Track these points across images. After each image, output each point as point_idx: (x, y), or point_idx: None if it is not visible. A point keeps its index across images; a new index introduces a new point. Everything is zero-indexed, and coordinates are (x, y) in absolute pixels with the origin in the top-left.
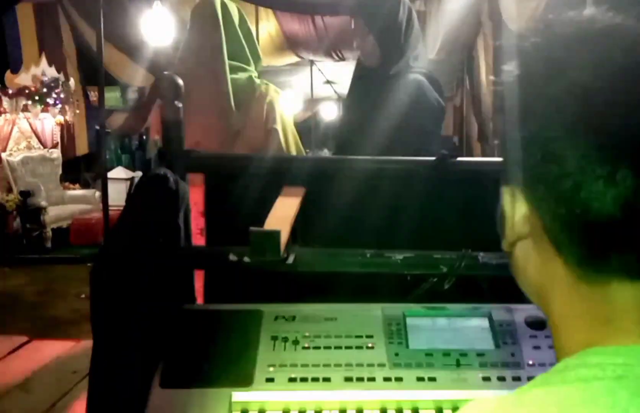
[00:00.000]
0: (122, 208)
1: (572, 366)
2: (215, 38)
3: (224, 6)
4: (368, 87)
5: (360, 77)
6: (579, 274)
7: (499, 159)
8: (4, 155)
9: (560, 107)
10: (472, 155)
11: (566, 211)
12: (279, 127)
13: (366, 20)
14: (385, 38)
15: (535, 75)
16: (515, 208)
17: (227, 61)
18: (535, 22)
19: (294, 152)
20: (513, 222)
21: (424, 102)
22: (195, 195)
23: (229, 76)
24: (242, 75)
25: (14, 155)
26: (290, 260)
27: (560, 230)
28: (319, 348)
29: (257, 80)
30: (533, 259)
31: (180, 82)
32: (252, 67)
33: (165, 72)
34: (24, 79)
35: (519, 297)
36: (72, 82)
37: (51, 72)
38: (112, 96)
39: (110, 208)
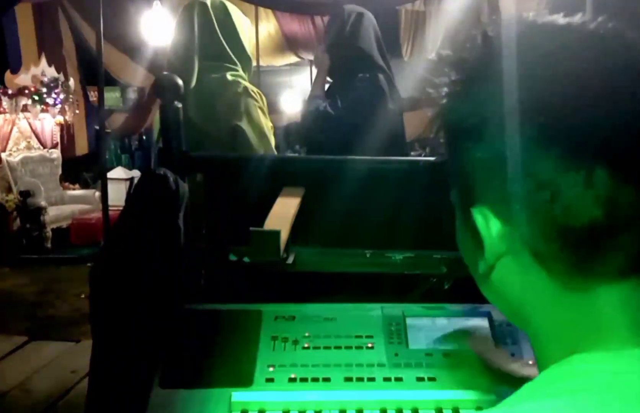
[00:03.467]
0: (122, 208)
1: (559, 376)
2: (188, 41)
3: (203, 8)
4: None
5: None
6: (564, 283)
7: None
8: (3, 155)
9: (525, 120)
10: None
11: (546, 222)
12: (242, 124)
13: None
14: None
15: (491, 92)
16: (490, 227)
17: (195, 66)
18: (473, 34)
19: (264, 151)
20: (491, 242)
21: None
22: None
23: (193, 81)
24: (216, 74)
25: (14, 155)
26: (290, 260)
27: (543, 242)
28: (319, 348)
29: (231, 78)
30: (513, 277)
31: (180, 82)
32: (237, 67)
33: (165, 73)
34: (23, 79)
35: None
36: (71, 82)
37: (51, 72)
38: (112, 96)
39: (110, 208)
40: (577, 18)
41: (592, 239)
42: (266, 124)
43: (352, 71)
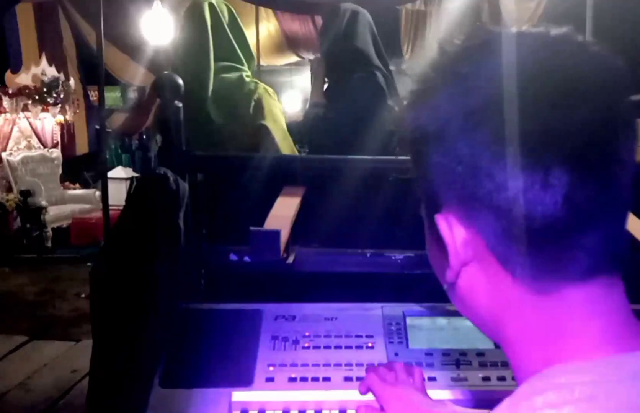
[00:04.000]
0: (122, 208)
1: (539, 390)
2: (203, 41)
3: (212, 8)
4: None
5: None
6: (531, 287)
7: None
8: (4, 154)
9: (477, 122)
10: None
11: (508, 224)
12: (269, 123)
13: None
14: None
15: (448, 94)
16: (455, 234)
17: (212, 65)
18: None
19: (286, 151)
20: (455, 249)
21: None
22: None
23: (211, 81)
24: (233, 74)
25: (14, 154)
26: (290, 260)
27: (506, 245)
28: (319, 348)
29: (247, 79)
30: (479, 284)
31: (180, 81)
32: (245, 67)
33: (165, 72)
34: (24, 78)
35: None
36: (72, 81)
37: (51, 71)
38: (112, 96)
39: (110, 208)
40: (531, 26)
41: (555, 239)
42: (285, 123)
43: (349, 71)
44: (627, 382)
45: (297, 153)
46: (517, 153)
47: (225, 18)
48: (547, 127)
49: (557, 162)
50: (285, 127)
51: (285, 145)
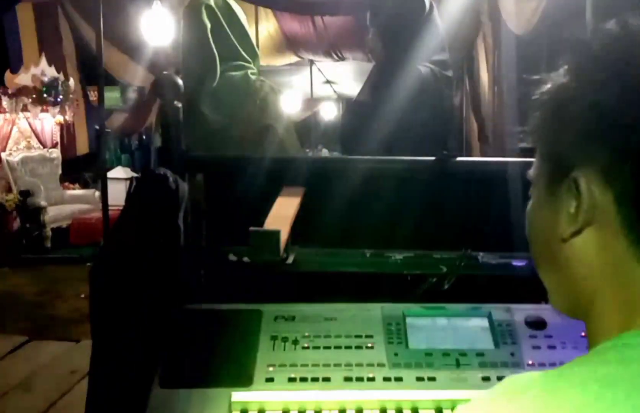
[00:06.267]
0: (121, 208)
1: (612, 347)
2: (204, 43)
3: (210, 10)
4: (377, 84)
5: (373, 83)
6: None
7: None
8: (3, 155)
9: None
10: (472, 155)
11: None
12: (276, 123)
13: (370, 14)
14: (388, 32)
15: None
16: (588, 194)
17: (217, 68)
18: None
19: (292, 150)
20: (588, 205)
21: (426, 96)
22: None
23: (217, 78)
24: (237, 73)
25: (14, 155)
26: (290, 260)
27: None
28: (318, 348)
29: (253, 77)
30: (591, 248)
31: (180, 81)
32: (250, 64)
33: (165, 72)
34: (23, 78)
35: (519, 297)
36: (72, 81)
37: (51, 71)
38: (112, 96)
39: (110, 208)
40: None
41: None
42: (289, 119)
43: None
44: None
45: (303, 151)
46: None
47: (224, 18)
48: None
49: None
50: (291, 126)
51: (292, 145)
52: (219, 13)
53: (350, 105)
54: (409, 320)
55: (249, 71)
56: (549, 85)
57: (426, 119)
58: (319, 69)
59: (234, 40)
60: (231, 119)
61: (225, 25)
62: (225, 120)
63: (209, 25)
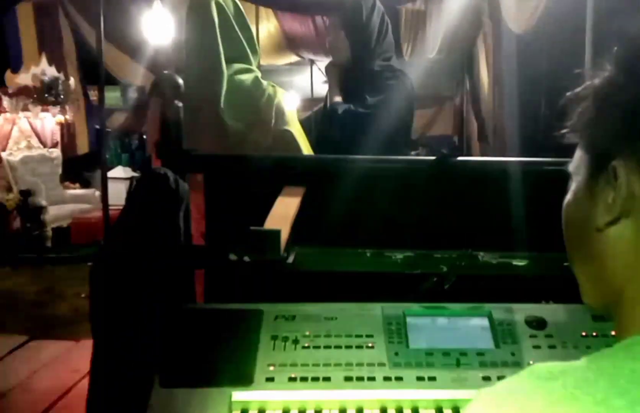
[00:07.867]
0: (122, 207)
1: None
2: (211, 41)
3: (220, 6)
4: (347, 86)
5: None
6: None
7: (504, 159)
8: (4, 154)
9: None
10: (472, 155)
11: None
12: (291, 128)
13: (340, 17)
14: (356, 35)
15: None
16: (627, 183)
17: (224, 67)
18: None
19: (307, 152)
20: (627, 195)
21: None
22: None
23: (225, 76)
24: (247, 77)
25: (14, 154)
26: (290, 259)
27: None
28: (319, 347)
29: (264, 82)
30: (626, 238)
31: (180, 81)
32: (254, 66)
33: (165, 72)
34: (24, 78)
35: (519, 297)
36: (72, 81)
37: (51, 71)
38: (112, 96)
39: (110, 207)
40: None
41: None
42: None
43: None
44: None
45: (313, 153)
46: None
47: (232, 14)
48: None
49: None
50: (300, 127)
51: (305, 147)
52: (227, 10)
53: (328, 111)
54: (409, 319)
55: (257, 74)
56: (593, 80)
57: (394, 113)
58: (319, 69)
59: (242, 39)
60: (248, 127)
61: (234, 23)
62: (245, 128)
63: (217, 23)
